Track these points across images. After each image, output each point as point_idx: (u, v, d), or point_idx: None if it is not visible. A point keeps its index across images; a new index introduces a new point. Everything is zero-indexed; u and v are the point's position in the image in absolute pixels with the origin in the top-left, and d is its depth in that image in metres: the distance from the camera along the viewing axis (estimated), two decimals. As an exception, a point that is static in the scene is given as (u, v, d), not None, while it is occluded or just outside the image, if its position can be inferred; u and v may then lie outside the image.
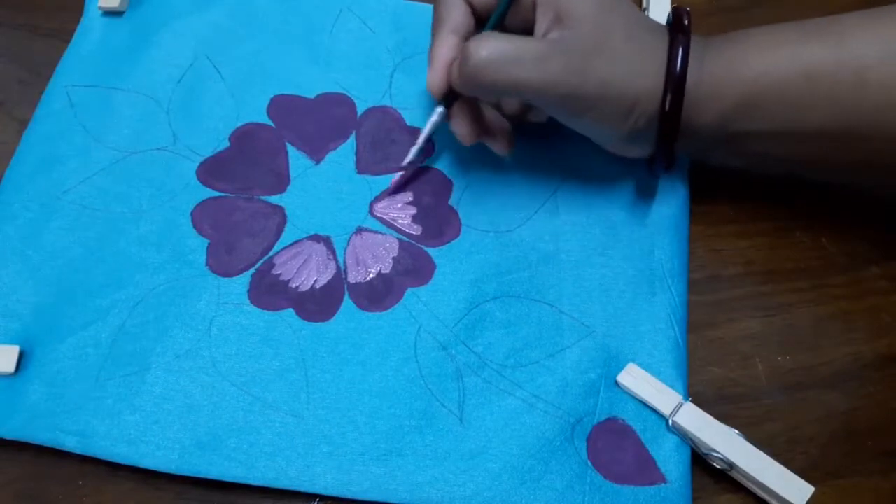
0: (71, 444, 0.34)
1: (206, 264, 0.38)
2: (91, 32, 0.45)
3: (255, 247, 0.39)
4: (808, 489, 0.32)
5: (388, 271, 0.38)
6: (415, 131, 0.42)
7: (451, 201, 0.40)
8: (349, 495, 0.33)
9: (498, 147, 0.40)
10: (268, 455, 0.34)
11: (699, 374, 0.37)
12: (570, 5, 0.34)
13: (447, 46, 0.36)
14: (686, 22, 0.35)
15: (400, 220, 0.40)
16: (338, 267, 0.38)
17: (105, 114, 0.42)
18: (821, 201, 0.41)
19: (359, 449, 0.34)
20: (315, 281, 0.38)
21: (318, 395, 0.35)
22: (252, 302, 0.37)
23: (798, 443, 0.35)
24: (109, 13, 0.45)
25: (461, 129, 0.38)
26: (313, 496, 0.34)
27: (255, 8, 0.46)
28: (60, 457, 0.34)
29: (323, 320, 0.37)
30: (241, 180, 0.41)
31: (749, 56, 0.34)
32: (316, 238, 0.39)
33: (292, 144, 0.42)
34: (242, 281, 0.38)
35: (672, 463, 0.34)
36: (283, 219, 0.40)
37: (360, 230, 0.39)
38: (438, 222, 0.40)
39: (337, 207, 0.40)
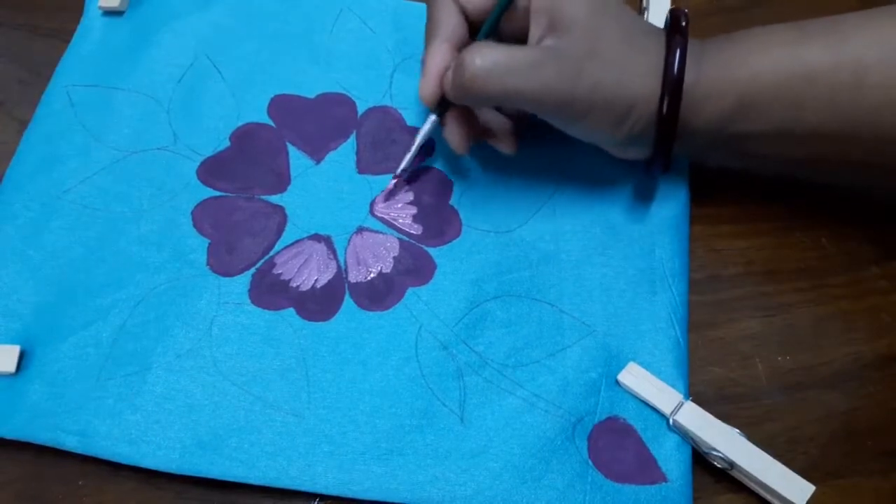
0: (72, 443, 0.34)
1: (207, 264, 0.38)
2: (91, 32, 0.45)
3: (256, 246, 0.39)
4: (809, 488, 0.32)
5: (388, 271, 0.38)
6: (415, 131, 0.42)
7: (452, 201, 0.40)
8: (350, 494, 0.33)
9: (503, 146, 0.39)
10: (269, 454, 0.34)
11: (699, 373, 0.37)
12: (563, 12, 0.34)
13: (440, 55, 0.36)
14: (684, 23, 0.35)
15: (400, 220, 0.40)
16: (338, 266, 0.38)
17: (105, 113, 0.42)
18: (821, 201, 0.41)
19: (360, 448, 0.34)
20: (316, 280, 0.38)
21: (318, 394, 0.35)
22: (253, 301, 0.37)
23: (798, 443, 0.35)
24: (109, 13, 0.45)
25: (454, 138, 0.38)
26: (314, 496, 0.34)
27: (256, 8, 0.46)
28: (61, 457, 0.34)
29: (324, 320, 0.37)
30: (242, 180, 0.41)
31: (747, 56, 0.34)
32: (316, 238, 0.39)
33: (293, 144, 0.42)
34: (243, 280, 0.38)
35: (673, 462, 0.34)
36: (284, 218, 0.40)
37: (360, 230, 0.39)
38: (439, 222, 0.40)
39: (337, 207, 0.40)
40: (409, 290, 0.38)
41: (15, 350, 0.35)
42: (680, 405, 0.35)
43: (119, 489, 0.34)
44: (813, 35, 0.34)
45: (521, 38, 0.35)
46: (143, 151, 0.41)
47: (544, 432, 0.34)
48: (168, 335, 0.36)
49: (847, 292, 0.39)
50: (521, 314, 0.37)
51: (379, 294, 0.38)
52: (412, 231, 0.39)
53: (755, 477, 0.33)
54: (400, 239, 0.39)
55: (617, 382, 0.36)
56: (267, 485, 0.33)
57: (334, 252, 0.39)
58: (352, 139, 0.42)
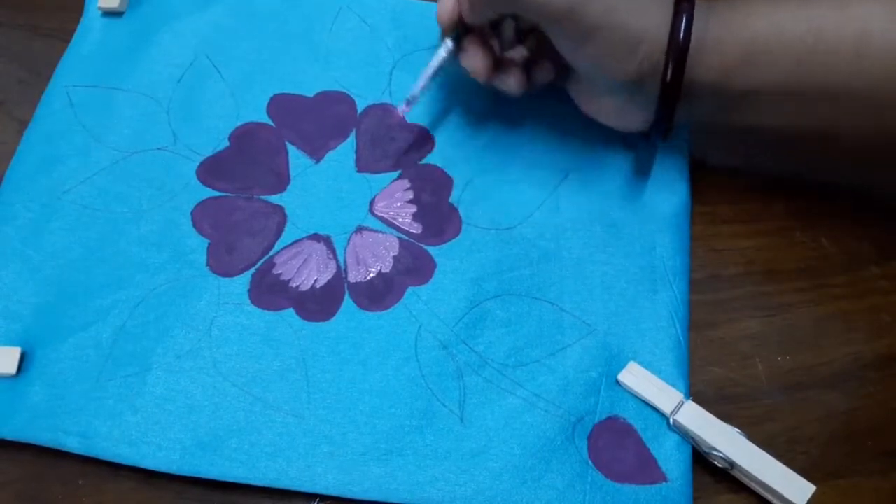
0: (72, 444, 0.34)
1: (207, 264, 0.38)
2: (91, 32, 0.45)
3: (256, 246, 0.39)
4: (810, 488, 0.32)
5: (388, 270, 0.38)
6: (415, 128, 0.42)
7: (452, 199, 0.40)
8: (350, 495, 0.33)
9: (512, 82, 0.39)
10: (269, 455, 0.34)
11: (699, 373, 0.37)
12: None
13: None
14: None
15: (400, 219, 0.40)
16: (338, 266, 0.38)
17: (105, 114, 0.42)
18: (821, 201, 0.41)
19: (359, 449, 0.34)
20: (315, 280, 0.38)
21: (318, 394, 0.35)
22: (252, 302, 0.37)
23: (798, 443, 0.35)
24: (109, 13, 0.45)
25: (474, 62, 0.37)
26: (314, 496, 0.34)
27: (255, 7, 0.46)
28: (61, 457, 0.34)
29: (323, 320, 0.37)
30: (241, 180, 0.41)
31: (751, 16, 0.34)
32: (316, 237, 0.39)
33: (292, 143, 0.42)
34: (243, 281, 0.38)
35: (673, 462, 0.34)
36: (284, 218, 0.40)
37: (360, 229, 0.39)
38: (439, 220, 0.40)
39: (337, 206, 0.40)
40: (409, 290, 0.38)
41: (16, 352, 0.35)
42: (680, 405, 0.35)
43: (119, 489, 0.34)
44: None
45: None
46: (143, 152, 0.41)
47: (544, 432, 0.34)
48: (168, 336, 0.36)
49: (847, 292, 0.39)
50: (521, 313, 0.37)
51: (378, 294, 0.38)
52: (412, 230, 0.39)
53: (755, 477, 0.33)
54: (400, 238, 0.39)
55: (617, 382, 0.36)
56: (267, 485, 0.33)
57: (334, 252, 0.39)
58: (351, 137, 0.42)
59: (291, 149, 0.42)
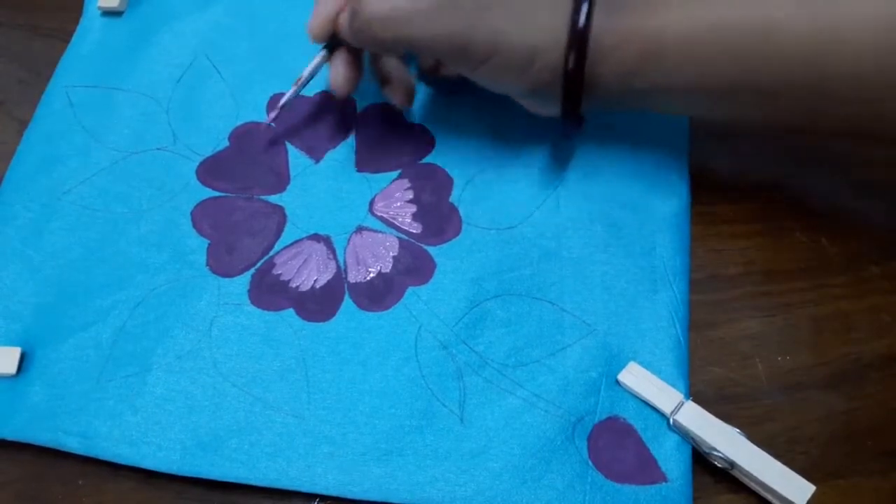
0: (72, 444, 0.34)
1: (207, 264, 0.38)
2: (91, 32, 0.45)
3: (256, 247, 0.39)
4: (810, 488, 0.32)
5: (388, 270, 0.38)
6: (415, 127, 0.42)
7: (452, 199, 0.40)
8: (350, 495, 0.33)
9: (396, 97, 0.40)
10: (269, 455, 0.34)
11: (699, 373, 0.37)
12: None
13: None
14: None
15: (400, 219, 0.40)
16: (338, 266, 0.38)
17: (105, 114, 0.42)
18: (821, 201, 0.41)
19: (359, 449, 0.34)
20: (315, 280, 0.38)
21: (318, 395, 0.35)
22: (252, 302, 0.37)
23: (798, 443, 0.35)
24: (109, 13, 0.45)
25: (336, 78, 0.38)
26: (314, 496, 0.34)
27: (255, 7, 0.46)
28: (61, 457, 0.34)
29: (323, 320, 0.37)
30: (241, 180, 0.41)
31: (653, 9, 0.33)
32: (316, 237, 0.39)
33: (292, 143, 0.42)
34: (243, 281, 0.38)
35: (673, 462, 0.34)
36: (283, 218, 0.40)
37: (360, 229, 0.39)
38: (439, 220, 0.40)
39: (337, 206, 0.40)
40: (409, 290, 0.38)
41: (16, 352, 0.35)
42: (680, 405, 0.35)
43: (119, 489, 0.34)
44: None
45: None
46: (143, 152, 0.41)
47: (544, 432, 0.34)
48: (168, 336, 0.36)
49: (847, 292, 0.39)
50: (521, 313, 0.37)
51: (378, 294, 0.38)
52: (412, 230, 0.39)
53: (755, 477, 0.33)
54: (399, 238, 0.39)
55: (617, 382, 0.36)
56: (267, 485, 0.33)
57: (334, 252, 0.39)
58: (351, 137, 0.42)
59: (291, 149, 0.42)
